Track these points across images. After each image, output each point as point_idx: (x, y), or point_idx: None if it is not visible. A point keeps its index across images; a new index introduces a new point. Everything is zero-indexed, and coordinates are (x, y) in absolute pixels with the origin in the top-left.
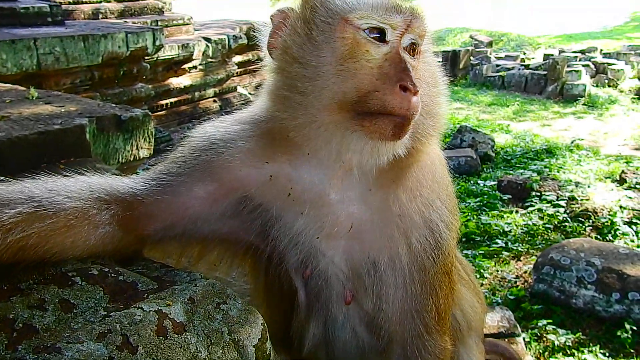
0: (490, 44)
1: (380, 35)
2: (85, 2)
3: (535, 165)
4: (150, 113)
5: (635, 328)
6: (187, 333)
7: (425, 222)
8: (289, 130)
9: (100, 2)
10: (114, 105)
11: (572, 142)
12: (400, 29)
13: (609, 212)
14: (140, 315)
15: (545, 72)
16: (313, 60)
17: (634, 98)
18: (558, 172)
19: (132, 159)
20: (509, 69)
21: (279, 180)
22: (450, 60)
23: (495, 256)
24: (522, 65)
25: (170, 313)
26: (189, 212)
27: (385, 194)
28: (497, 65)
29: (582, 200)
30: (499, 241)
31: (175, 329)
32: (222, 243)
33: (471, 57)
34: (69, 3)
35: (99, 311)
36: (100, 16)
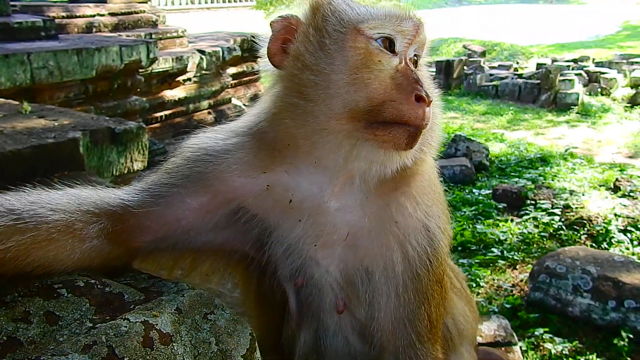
0: (483, 54)
1: (390, 45)
2: (79, 16)
3: (529, 173)
4: (144, 125)
5: (631, 336)
6: (174, 344)
7: (425, 229)
8: (297, 139)
9: (94, 16)
10: (107, 118)
11: (566, 151)
12: (409, 37)
13: (603, 220)
14: (126, 327)
15: (539, 81)
16: (326, 68)
17: (627, 106)
18: (552, 180)
19: (126, 172)
20: (502, 78)
21: (276, 189)
22: (444, 70)
23: (491, 265)
24: (515, 74)
25: (157, 324)
26: (182, 223)
27: (384, 202)
28: (491, 75)
29: (576, 208)
30: (494, 250)
31: (161, 339)
32: (215, 253)
33: (465, 67)
34: (63, 17)
35: (84, 323)
36: (94, 30)
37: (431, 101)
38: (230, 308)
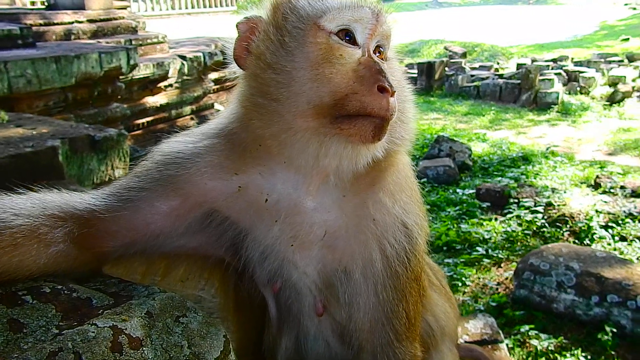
0: (464, 55)
1: (351, 38)
2: (57, 24)
3: (512, 172)
4: (125, 132)
5: (615, 330)
6: (144, 348)
7: (403, 226)
8: (265, 139)
9: (72, 23)
10: (87, 125)
11: (547, 149)
12: (369, 27)
13: (585, 216)
14: (93, 332)
15: (519, 81)
16: (287, 66)
17: (606, 105)
18: (535, 178)
19: (107, 180)
20: (483, 79)
21: (249, 191)
22: (426, 71)
23: (477, 264)
24: (496, 74)
25: (126, 328)
26: (151, 228)
27: (362, 199)
28: (472, 76)
29: (559, 205)
30: (479, 249)
31: (131, 344)
32: (188, 258)
33: (446, 68)
34: (40, 25)
35: (50, 330)
36: (73, 37)
37: (394, 91)
38: (211, 314)
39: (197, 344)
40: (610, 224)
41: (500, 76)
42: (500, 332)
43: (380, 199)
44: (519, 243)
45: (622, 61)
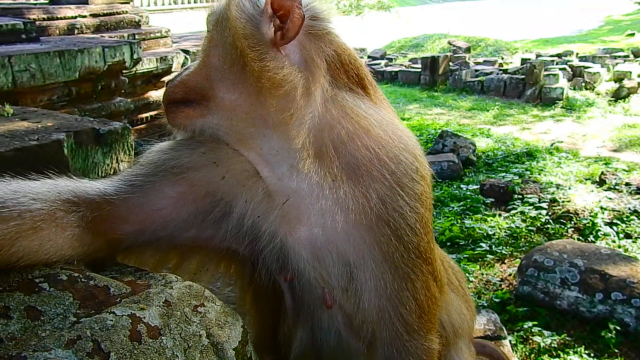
0: (468, 50)
1: None
2: (60, 18)
3: (516, 168)
4: (130, 126)
5: (618, 328)
6: (162, 337)
7: (383, 195)
8: None
9: (76, 17)
10: (91, 119)
11: (551, 145)
12: None
13: (590, 213)
14: (112, 320)
15: (524, 76)
16: None
17: (611, 100)
18: (539, 174)
19: (112, 173)
20: (487, 74)
21: (235, 175)
22: (430, 66)
23: (480, 260)
24: (500, 69)
25: (145, 317)
26: (160, 213)
27: (333, 176)
28: (476, 71)
29: (563, 202)
30: (483, 245)
31: (150, 333)
32: (201, 250)
33: (450, 63)
34: (43, 19)
35: (68, 317)
36: (76, 31)
37: (167, 82)
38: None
39: (215, 334)
40: (615, 221)
41: (505, 71)
42: (504, 328)
43: (351, 173)
44: (522, 239)
45: (627, 56)
